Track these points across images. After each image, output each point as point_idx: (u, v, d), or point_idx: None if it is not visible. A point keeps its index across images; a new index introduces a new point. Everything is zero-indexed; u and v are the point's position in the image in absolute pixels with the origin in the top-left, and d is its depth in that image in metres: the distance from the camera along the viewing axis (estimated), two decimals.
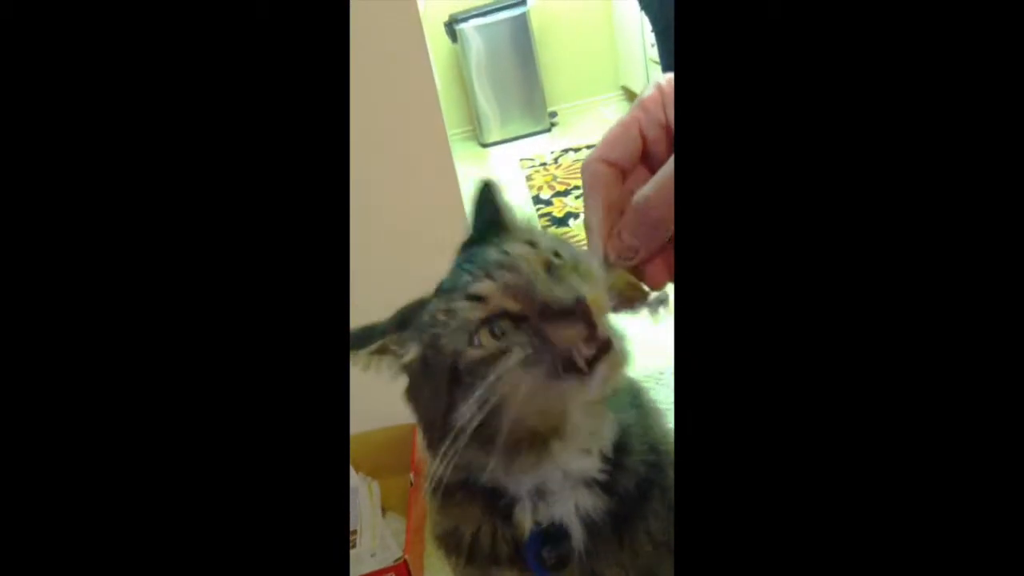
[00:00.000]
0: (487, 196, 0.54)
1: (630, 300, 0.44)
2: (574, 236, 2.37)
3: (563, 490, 0.48)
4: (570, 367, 0.41)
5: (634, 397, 0.53)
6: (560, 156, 3.29)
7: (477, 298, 0.44)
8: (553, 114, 3.91)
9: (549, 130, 3.83)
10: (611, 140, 0.42)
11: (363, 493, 1.27)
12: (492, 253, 0.46)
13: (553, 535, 0.48)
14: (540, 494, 0.48)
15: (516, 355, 0.41)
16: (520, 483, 0.48)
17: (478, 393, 0.41)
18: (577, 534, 0.48)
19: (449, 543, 0.53)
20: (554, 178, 2.99)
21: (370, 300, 0.90)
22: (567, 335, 0.40)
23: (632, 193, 0.40)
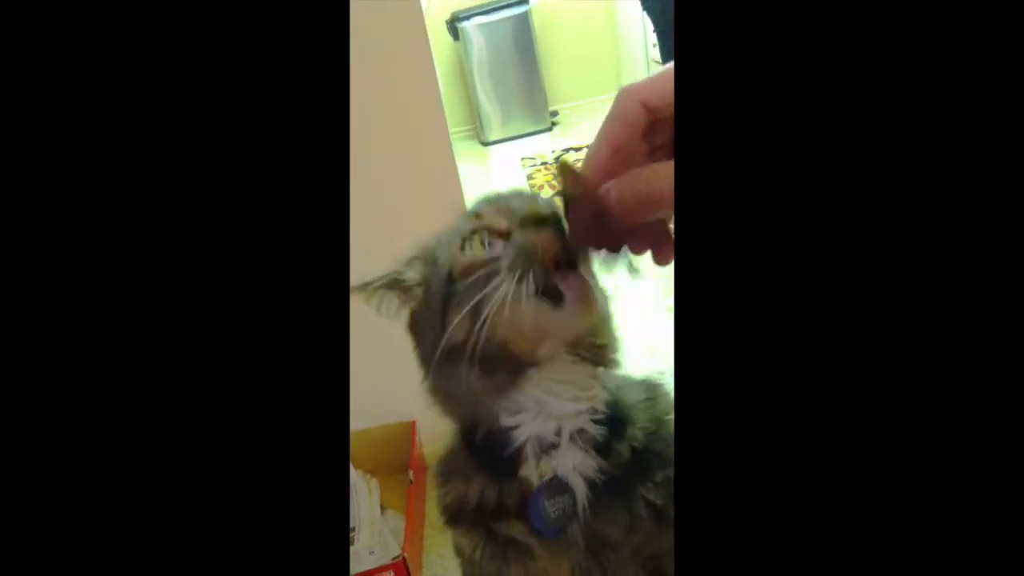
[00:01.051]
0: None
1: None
2: None
3: (563, 443, 0.51)
4: (549, 292, 0.45)
5: (649, 388, 0.57)
6: (561, 155, 3.29)
7: (473, 215, 0.51)
8: (554, 113, 3.91)
9: (550, 129, 3.82)
10: (656, 81, 0.39)
11: (362, 491, 1.27)
12: (489, 197, 0.54)
13: (555, 488, 0.50)
14: (541, 446, 0.51)
15: (504, 260, 0.46)
16: (522, 431, 0.50)
17: (472, 302, 0.46)
18: (580, 490, 0.51)
19: (456, 510, 0.55)
20: (555, 177, 2.99)
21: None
22: (542, 239, 0.45)
23: (647, 151, 0.39)
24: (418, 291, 0.53)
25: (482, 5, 3.59)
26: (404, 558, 1.06)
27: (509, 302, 0.44)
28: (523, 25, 3.63)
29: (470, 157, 3.64)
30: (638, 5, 1.61)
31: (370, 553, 1.16)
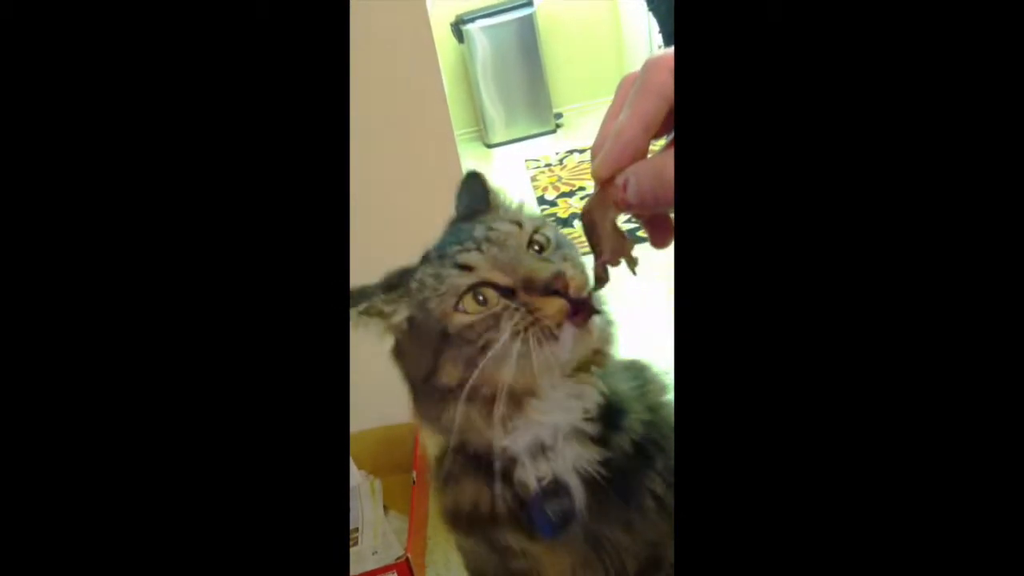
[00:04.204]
0: (473, 182, 0.59)
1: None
2: (578, 237, 2.37)
3: (558, 444, 0.50)
4: (547, 335, 0.44)
5: (636, 373, 0.56)
6: (565, 157, 3.28)
7: (466, 267, 0.47)
8: (559, 115, 3.91)
9: (554, 131, 3.82)
10: None
11: (365, 491, 1.27)
12: (479, 229, 0.50)
13: (554, 491, 0.50)
14: (538, 449, 0.50)
15: (506, 325, 0.45)
16: (515, 439, 0.50)
17: (466, 355, 0.46)
18: (578, 491, 0.50)
19: (456, 516, 0.55)
20: (559, 179, 2.99)
21: None
22: (551, 307, 0.44)
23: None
24: (405, 328, 0.51)
25: (486, 7, 3.59)
26: (407, 558, 1.06)
27: (510, 359, 0.44)
28: (527, 27, 3.63)
29: (474, 159, 3.64)
30: (643, 7, 1.60)
31: (373, 553, 1.16)
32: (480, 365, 0.45)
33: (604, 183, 0.37)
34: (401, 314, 0.51)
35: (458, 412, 0.47)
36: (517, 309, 0.45)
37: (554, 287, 0.44)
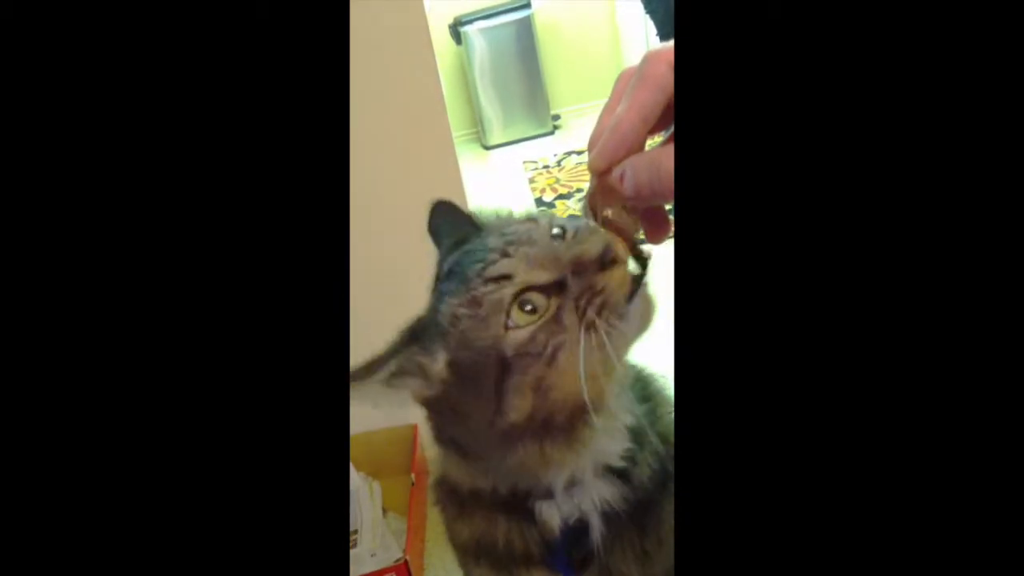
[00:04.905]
0: (443, 210, 0.53)
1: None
2: None
3: (588, 480, 0.46)
4: (618, 314, 0.40)
5: (644, 388, 0.52)
6: (563, 159, 3.29)
7: (502, 278, 0.42)
8: (556, 117, 3.91)
9: (552, 133, 3.83)
10: None
11: (364, 493, 1.27)
12: (493, 240, 0.44)
13: (579, 531, 0.47)
14: (570, 485, 0.46)
15: (571, 320, 0.39)
16: (557, 475, 0.45)
17: (533, 378, 0.40)
18: (596, 529, 0.47)
19: (475, 550, 0.51)
20: (557, 181, 2.99)
21: (372, 302, 0.91)
22: (615, 278, 0.39)
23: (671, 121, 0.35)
24: (445, 374, 0.44)
25: (484, 9, 3.60)
26: (406, 560, 1.06)
27: (583, 358, 0.39)
28: (525, 29, 3.64)
29: (472, 161, 3.64)
30: (640, 9, 1.61)
31: (372, 555, 1.16)
32: (546, 380, 0.40)
33: (601, 175, 0.36)
34: (441, 360, 0.44)
35: (527, 450, 0.42)
36: (580, 297, 0.40)
37: (608, 258, 0.39)
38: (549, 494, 0.47)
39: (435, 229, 0.53)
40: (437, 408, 0.46)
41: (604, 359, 0.39)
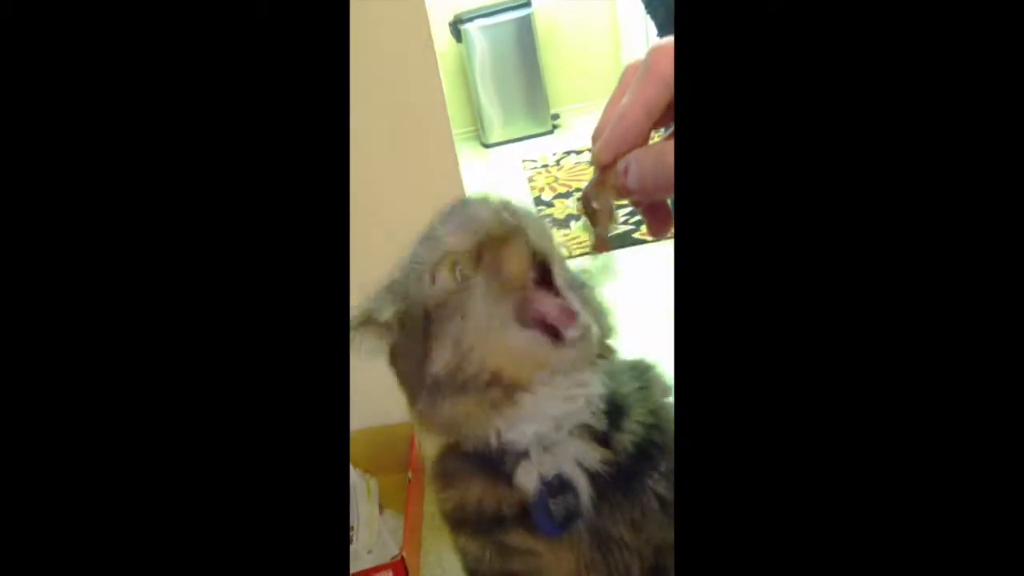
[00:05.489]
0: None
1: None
2: (576, 238, 2.37)
3: (562, 440, 0.49)
4: (541, 326, 0.44)
5: (640, 373, 0.54)
6: (562, 158, 3.29)
7: (432, 239, 0.48)
8: (556, 116, 3.91)
9: (552, 132, 3.83)
10: None
11: (361, 490, 1.27)
12: (447, 212, 0.50)
13: (558, 487, 0.49)
14: (541, 444, 0.49)
15: (478, 288, 0.44)
16: (517, 434, 0.49)
17: (453, 334, 0.45)
18: (583, 487, 0.49)
19: (457, 517, 0.54)
20: (556, 180, 2.99)
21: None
22: (511, 259, 0.44)
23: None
24: (395, 326, 0.50)
25: (485, 7, 3.60)
26: (402, 557, 1.06)
27: (491, 330, 0.44)
28: (526, 28, 3.63)
29: (471, 159, 3.64)
30: (641, 8, 1.61)
31: (368, 552, 1.17)
32: (463, 342, 0.45)
33: (604, 168, 0.36)
34: (388, 311, 0.50)
35: (454, 403, 0.47)
36: (490, 266, 0.45)
37: (508, 234, 0.44)
38: (522, 455, 0.50)
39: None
40: (392, 356, 0.52)
41: (517, 342, 0.44)
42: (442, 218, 0.50)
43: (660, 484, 0.51)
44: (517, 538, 0.51)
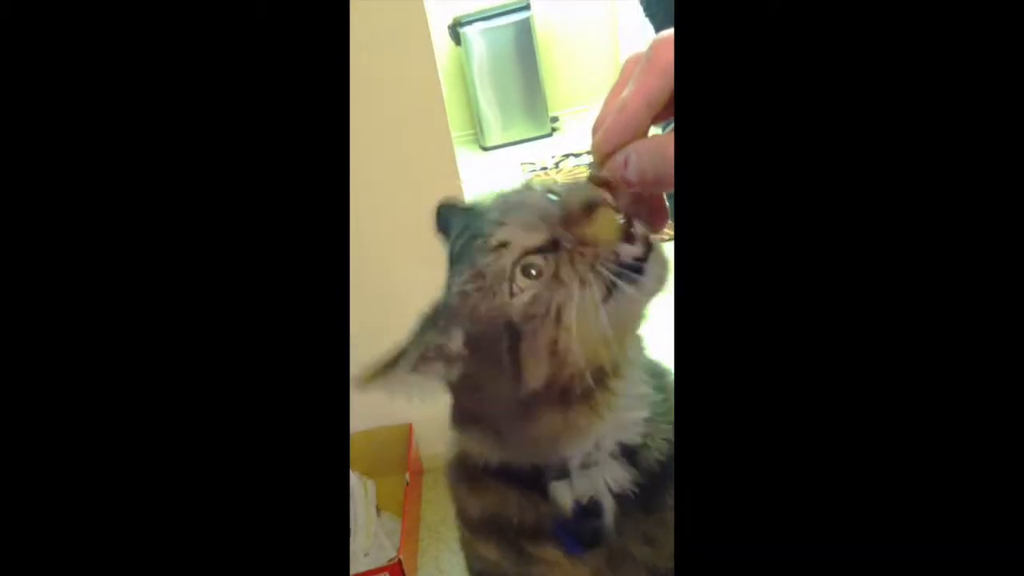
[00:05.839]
0: (448, 210, 0.54)
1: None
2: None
3: (603, 460, 0.47)
4: (622, 274, 0.39)
5: (658, 381, 0.52)
6: (561, 161, 3.29)
7: (500, 246, 0.42)
8: (554, 119, 3.92)
9: (550, 135, 3.83)
10: None
11: (358, 492, 1.27)
12: (492, 215, 0.45)
13: (589, 511, 0.48)
14: (585, 465, 0.47)
15: (570, 281, 0.40)
16: (579, 446, 0.46)
17: (547, 339, 0.40)
18: (609, 510, 0.48)
19: (485, 527, 0.52)
20: (554, 183, 2.99)
21: (371, 301, 0.91)
22: (602, 225, 0.39)
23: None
24: (464, 351, 0.45)
25: (484, 11, 3.60)
26: (399, 560, 1.06)
27: (587, 320, 0.39)
28: (524, 31, 3.64)
29: (470, 161, 3.65)
30: (639, 11, 1.61)
31: (365, 555, 1.16)
32: (560, 340, 0.40)
33: (605, 159, 0.36)
34: (457, 339, 0.44)
35: (552, 419, 0.43)
36: (573, 251, 0.40)
37: (592, 204, 0.39)
38: (564, 473, 0.47)
39: (442, 227, 0.54)
40: (460, 388, 0.46)
41: (614, 314, 0.40)
42: (492, 221, 0.44)
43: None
44: (548, 553, 0.49)
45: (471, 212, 0.51)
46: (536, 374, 0.41)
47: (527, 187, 0.47)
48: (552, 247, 0.41)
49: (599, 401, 0.43)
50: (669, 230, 0.40)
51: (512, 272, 0.41)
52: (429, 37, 1.12)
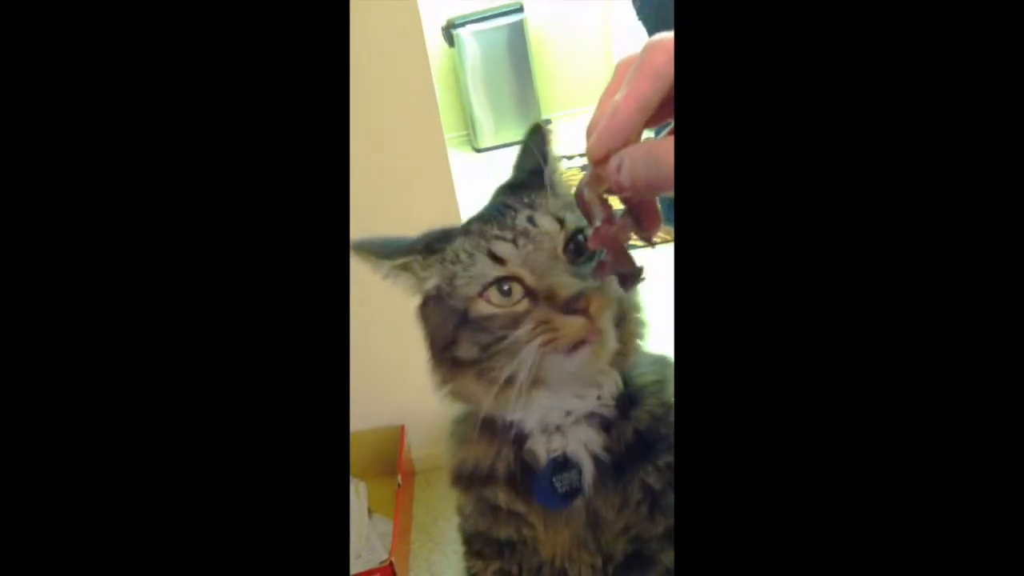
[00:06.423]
0: (534, 143, 0.59)
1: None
2: None
3: (568, 425, 0.51)
4: (560, 351, 0.45)
5: (660, 368, 0.56)
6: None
7: (497, 258, 0.47)
8: (547, 121, 3.92)
9: None
10: None
11: (350, 494, 1.27)
12: (522, 218, 0.49)
13: (563, 464, 0.51)
14: (548, 428, 0.51)
15: (523, 330, 0.45)
16: (527, 417, 0.51)
17: (483, 341, 0.47)
18: (587, 467, 0.51)
19: (466, 474, 0.55)
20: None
21: (369, 301, 0.90)
22: (569, 328, 0.44)
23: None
24: (432, 291, 0.52)
25: (477, 12, 3.61)
26: (391, 562, 1.05)
27: (526, 359, 0.45)
28: (517, 33, 3.65)
29: (462, 163, 3.64)
30: (632, 14, 1.62)
31: (357, 557, 1.16)
32: (493, 352, 0.47)
33: (598, 163, 0.36)
34: (432, 281, 0.51)
35: (466, 382, 0.50)
36: (537, 321, 0.45)
37: (575, 307, 0.44)
38: (527, 433, 0.52)
39: (522, 153, 0.61)
40: (423, 311, 0.53)
41: (537, 367, 0.45)
42: (518, 214, 0.50)
43: (652, 477, 0.52)
44: (506, 499, 0.53)
45: (539, 169, 0.56)
46: (467, 351, 0.48)
47: (561, 220, 0.49)
48: (532, 293, 0.46)
49: (505, 392, 0.48)
50: (664, 234, 0.40)
51: (491, 284, 0.47)
52: (422, 38, 1.12)
